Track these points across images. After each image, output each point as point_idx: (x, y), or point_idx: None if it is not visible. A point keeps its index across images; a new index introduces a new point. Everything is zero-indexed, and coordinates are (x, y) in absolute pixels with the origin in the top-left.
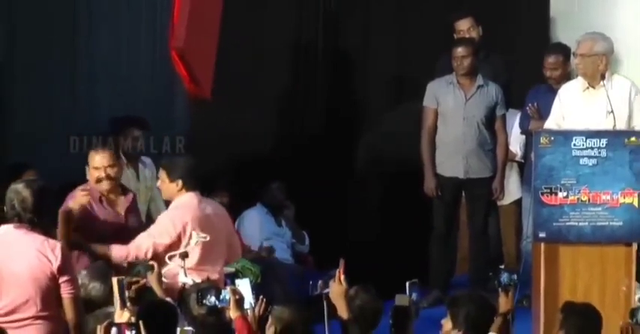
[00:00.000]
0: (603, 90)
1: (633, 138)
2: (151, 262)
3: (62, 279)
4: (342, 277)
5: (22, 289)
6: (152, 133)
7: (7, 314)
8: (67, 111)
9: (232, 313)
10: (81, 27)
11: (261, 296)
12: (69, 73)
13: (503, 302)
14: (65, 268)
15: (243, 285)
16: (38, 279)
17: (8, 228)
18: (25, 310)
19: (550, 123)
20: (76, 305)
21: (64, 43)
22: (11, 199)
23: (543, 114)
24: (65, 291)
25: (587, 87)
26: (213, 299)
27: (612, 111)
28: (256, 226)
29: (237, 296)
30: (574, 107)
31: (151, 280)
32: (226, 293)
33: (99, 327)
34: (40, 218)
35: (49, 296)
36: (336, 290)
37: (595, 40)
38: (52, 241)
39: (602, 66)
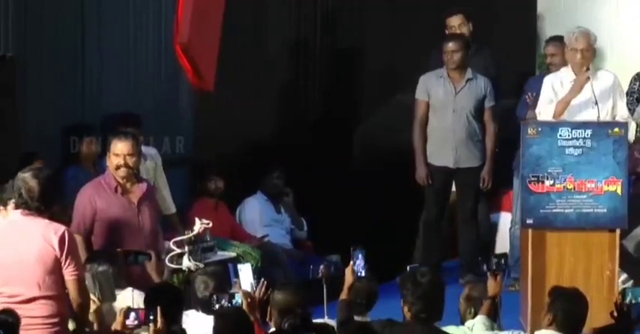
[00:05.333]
0: (588, 83)
1: (616, 129)
2: (149, 251)
3: (65, 262)
4: (352, 269)
5: (29, 272)
6: (153, 133)
7: (13, 296)
8: (74, 111)
9: None
10: (89, 26)
11: (262, 279)
12: (79, 72)
13: (492, 286)
14: (68, 251)
15: (245, 270)
16: (43, 262)
17: (16, 215)
18: (31, 291)
19: (546, 110)
20: (79, 286)
21: (73, 42)
22: (19, 187)
23: None
24: (68, 273)
25: (574, 80)
26: (226, 303)
27: (597, 103)
28: (256, 213)
29: (249, 300)
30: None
31: (149, 268)
32: (239, 298)
33: (118, 311)
34: (47, 206)
35: (54, 277)
36: (347, 279)
37: (589, 34)
38: (55, 224)
39: (593, 58)
